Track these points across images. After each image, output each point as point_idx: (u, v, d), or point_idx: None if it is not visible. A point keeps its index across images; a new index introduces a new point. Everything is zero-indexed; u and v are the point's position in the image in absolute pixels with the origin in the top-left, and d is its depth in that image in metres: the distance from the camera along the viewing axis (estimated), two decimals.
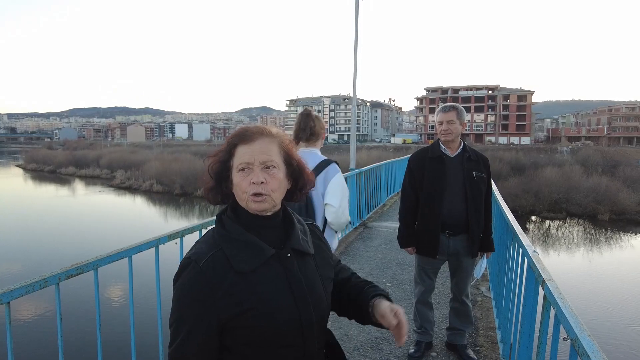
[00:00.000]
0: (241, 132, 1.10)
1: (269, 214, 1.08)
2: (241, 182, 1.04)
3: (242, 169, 1.05)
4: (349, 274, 1.26)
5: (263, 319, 0.99)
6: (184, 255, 1.07)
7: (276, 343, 1.02)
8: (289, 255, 1.06)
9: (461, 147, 2.88)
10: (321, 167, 2.52)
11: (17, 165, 63.18)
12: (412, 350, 3.08)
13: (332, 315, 3.99)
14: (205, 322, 0.99)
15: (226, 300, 0.99)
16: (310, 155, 2.54)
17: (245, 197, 1.04)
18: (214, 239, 1.06)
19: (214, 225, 1.12)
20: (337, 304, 1.22)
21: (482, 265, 2.95)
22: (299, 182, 1.15)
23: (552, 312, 1.64)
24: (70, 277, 2.00)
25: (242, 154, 1.05)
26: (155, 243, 2.52)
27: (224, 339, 1.03)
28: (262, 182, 1.03)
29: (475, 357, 3.00)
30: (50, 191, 36.68)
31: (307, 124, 2.64)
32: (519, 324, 2.32)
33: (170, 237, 2.63)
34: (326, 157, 2.62)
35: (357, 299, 1.18)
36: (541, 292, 1.81)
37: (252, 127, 1.11)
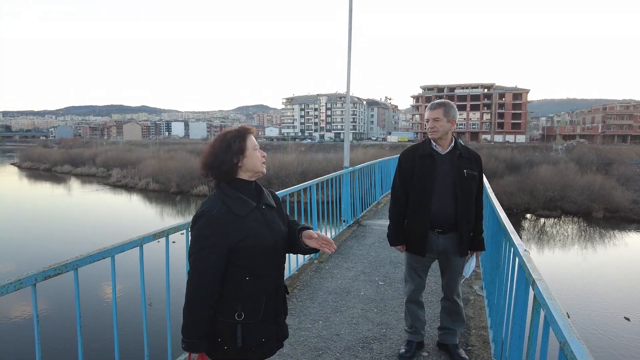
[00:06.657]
0: (246, 130, 1.74)
1: (260, 176, 1.75)
2: (258, 155, 1.71)
3: (256, 149, 1.71)
4: (291, 222, 1.85)
5: (256, 241, 1.61)
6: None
7: (262, 258, 1.64)
8: (263, 207, 1.71)
9: (452, 144, 2.83)
10: None
11: (12, 164, 62.72)
12: (402, 350, 3.03)
13: (324, 316, 3.88)
14: (219, 246, 1.57)
15: (232, 232, 1.58)
16: None
17: (259, 165, 1.71)
18: (218, 197, 1.64)
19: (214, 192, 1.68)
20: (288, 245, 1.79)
21: (471, 265, 2.90)
22: None
23: (542, 313, 1.59)
24: (47, 278, 1.92)
25: (252, 140, 1.72)
26: (139, 242, 2.45)
27: (231, 257, 1.59)
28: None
29: (466, 357, 2.96)
30: (45, 189, 36.44)
31: None
32: (510, 324, 2.27)
33: (155, 236, 2.56)
34: None
35: (291, 234, 1.77)
36: (531, 293, 1.76)
37: (246, 127, 1.76)
